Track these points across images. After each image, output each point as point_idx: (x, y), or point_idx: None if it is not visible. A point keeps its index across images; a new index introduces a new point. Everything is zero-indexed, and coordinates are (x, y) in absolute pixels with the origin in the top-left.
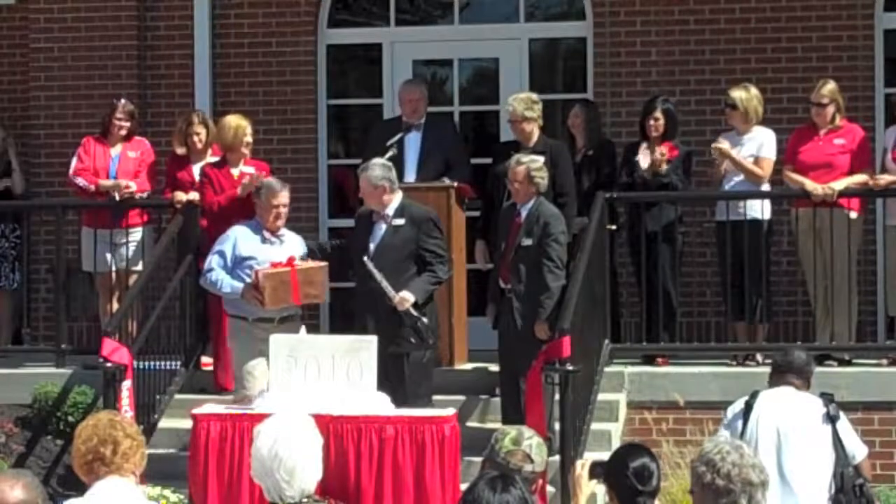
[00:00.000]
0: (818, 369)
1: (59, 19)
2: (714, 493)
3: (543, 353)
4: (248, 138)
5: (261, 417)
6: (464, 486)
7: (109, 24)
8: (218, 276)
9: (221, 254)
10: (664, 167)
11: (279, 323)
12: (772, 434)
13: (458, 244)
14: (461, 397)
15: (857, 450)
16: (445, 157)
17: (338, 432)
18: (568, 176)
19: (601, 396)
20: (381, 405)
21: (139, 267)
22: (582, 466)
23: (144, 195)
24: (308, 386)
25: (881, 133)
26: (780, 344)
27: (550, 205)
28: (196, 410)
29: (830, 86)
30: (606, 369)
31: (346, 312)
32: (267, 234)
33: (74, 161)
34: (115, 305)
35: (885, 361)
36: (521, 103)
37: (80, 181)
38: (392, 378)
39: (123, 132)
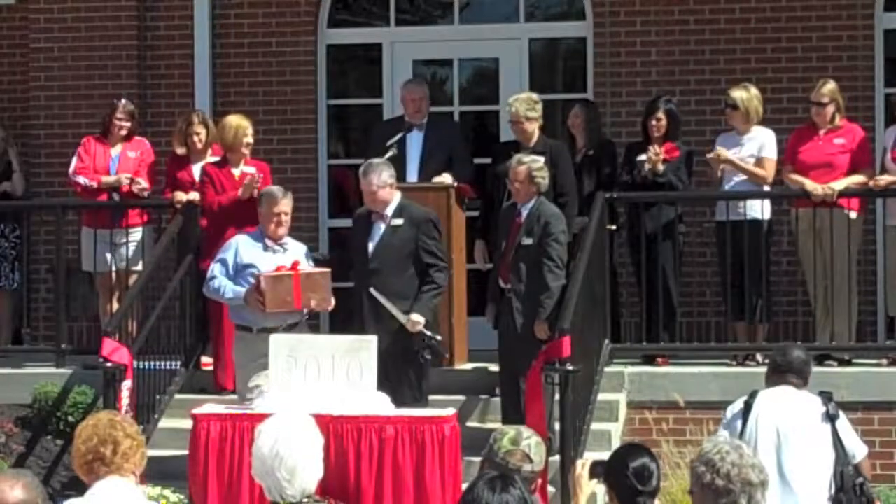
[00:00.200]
0: (818, 369)
1: (59, 19)
2: (714, 493)
3: (543, 353)
4: (249, 139)
5: (261, 417)
6: (464, 486)
7: (109, 24)
8: (220, 283)
9: (223, 262)
10: (660, 167)
11: (284, 332)
12: (771, 434)
13: (458, 244)
14: (461, 397)
15: (857, 449)
16: (448, 157)
17: (338, 432)
18: (568, 176)
19: (601, 396)
20: (381, 405)
21: (139, 267)
22: (582, 466)
23: (145, 194)
24: (308, 386)
25: (881, 133)
26: (779, 343)
27: (551, 204)
28: (196, 410)
29: (830, 85)
30: (606, 369)
31: (345, 312)
32: (269, 243)
33: (75, 160)
34: (115, 305)
35: (885, 361)
36: (522, 103)
37: (82, 179)
38: (391, 378)
39: (123, 132)
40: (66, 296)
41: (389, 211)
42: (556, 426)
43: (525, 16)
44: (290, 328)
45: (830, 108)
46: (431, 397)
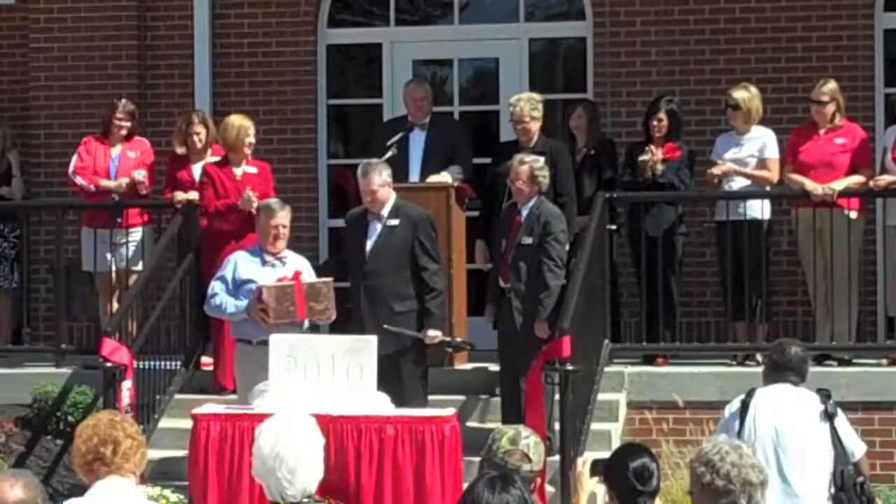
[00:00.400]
0: (818, 370)
1: (59, 19)
2: (713, 493)
3: (543, 353)
4: (251, 138)
5: (261, 417)
6: (464, 486)
7: (109, 24)
8: (221, 299)
9: (223, 279)
10: (659, 167)
11: None
12: (769, 432)
13: (458, 244)
14: (461, 397)
15: (856, 447)
16: (449, 157)
17: (338, 432)
18: (568, 176)
19: (601, 396)
20: (381, 405)
21: (139, 267)
22: (583, 464)
23: (142, 191)
24: (308, 386)
25: (881, 133)
26: (777, 341)
27: (551, 204)
28: (196, 410)
29: (831, 84)
30: (606, 369)
31: (344, 312)
32: (268, 257)
33: (74, 159)
34: (115, 305)
35: (885, 361)
36: (527, 103)
37: (80, 180)
38: (390, 378)
39: (124, 132)
40: (66, 296)
41: (385, 211)
42: (556, 426)
43: (525, 16)
44: None
45: (831, 108)
46: (431, 397)
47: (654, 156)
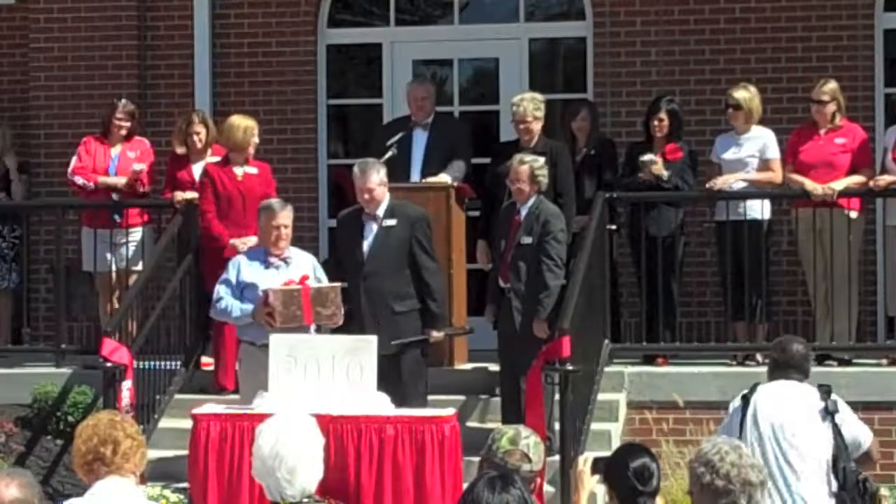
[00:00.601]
0: (819, 370)
1: (59, 19)
2: (713, 493)
3: (543, 353)
4: (256, 139)
5: (261, 417)
6: (464, 486)
7: (109, 24)
8: (227, 303)
9: (227, 282)
10: (664, 174)
11: None
12: (769, 428)
13: (458, 244)
14: (461, 397)
15: (863, 436)
16: (449, 156)
17: (338, 432)
18: (568, 177)
19: (601, 396)
20: (381, 405)
21: (139, 267)
22: (584, 462)
23: (140, 189)
24: (308, 386)
25: (881, 133)
26: (778, 339)
27: (550, 203)
28: (196, 410)
29: (832, 84)
30: (606, 369)
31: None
32: (272, 259)
33: (74, 159)
34: (115, 305)
35: (885, 361)
36: (530, 103)
37: (79, 180)
38: (390, 378)
39: (123, 132)
40: (66, 296)
41: (381, 211)
42: (556, 426)
43: (525, 16)
44: None
45: (831, 107)
46: (432, 397)
47: (655, 164)
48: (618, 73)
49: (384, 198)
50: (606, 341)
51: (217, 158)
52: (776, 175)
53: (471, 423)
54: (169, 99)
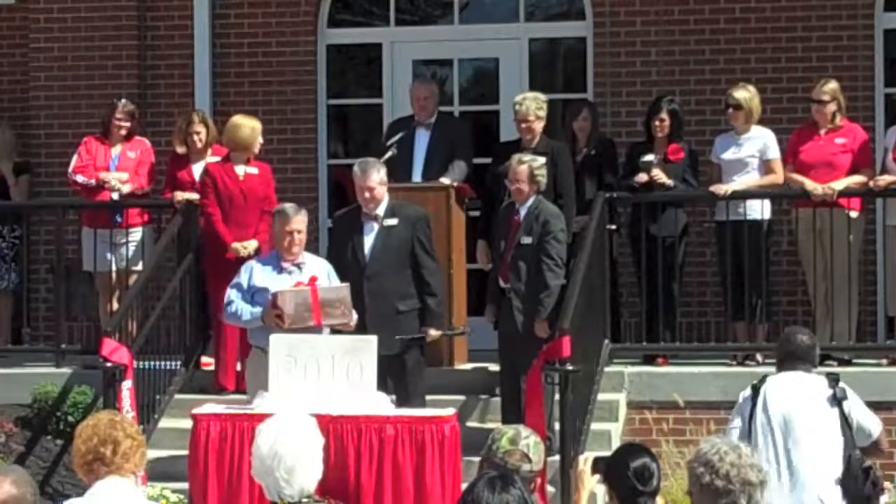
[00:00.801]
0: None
1: (59, 19)
2: (713, 493)
3: (543, 353)
4: (261, 139)
5: (261, 417)
6: (464, 486)
7: (109, 24)
8: (237, 306)
9: (238, 286)
10: (668, 182)
11: None
12: (778, 418)
13: (458, 244)
14: (461, 397)
15: (872, 425)
16: (451, 156)
17: (338, 432)
18: (568, 177)
19: (601, 396)
20: (381, 405)
21: (139, 267)
22: (584, 461)
23: (144, 190)
24: (308, 386)
25: (881, 133)
26: (784, 331)
27: (550, 203)
28: (196, 410)
29: (832, 84)
30: (606, 369)
31: None
32: (285, 264)
33: (75, 158)
34: (115, 305)
35: (885, 361)
36: (532, 102)
37: (80, 178)
38: (393, 376)
39: (123, 132)
40: (66, 296)
41: (381, 211)
42: (556, 426)
43: (525, 16)
44: None
45: (831, 107)
46: (432, 397)
47: (657, 172)
48: (618, 73)
49: (384, 197)
50: (606, 341)
51: (217, 158)
52: (777, 176)
53: (471, 423)
54: (169, 99)
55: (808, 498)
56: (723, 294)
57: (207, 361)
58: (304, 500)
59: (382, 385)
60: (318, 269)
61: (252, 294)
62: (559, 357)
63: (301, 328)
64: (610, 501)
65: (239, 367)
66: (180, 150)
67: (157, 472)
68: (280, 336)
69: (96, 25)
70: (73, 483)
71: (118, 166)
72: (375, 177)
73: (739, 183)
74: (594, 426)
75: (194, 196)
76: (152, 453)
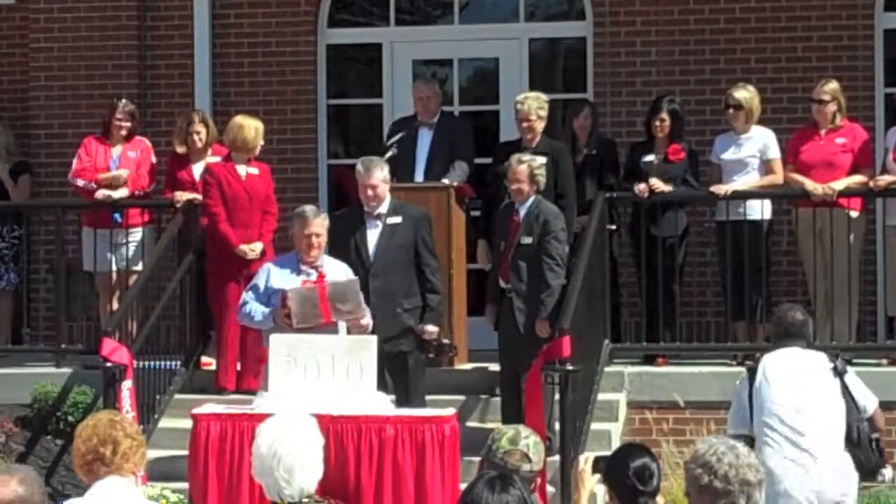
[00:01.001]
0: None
1: (59, 19)
2: (712, 495)
3: (543, 353)
4: (262, 140)
5: (261, 417)
6: (463, 486)
7: (109, 24)
8: (251, 307)
9: (255, 287)
10: (667, 189)
11: None
12: (780, 389)
13: (458, 244)
14: (461, 397)
15: (868, 401)
16: (452, 156)
17: (338, 432)
18: (569, 178)
19: (601, 396)
20: (381, 405)
21: (139, 267)
22: (585, 461)
23: (142, 192)
24: (308, 386)
25: (881, 133)
26: (777, 309)
27: (549, 203)
28: (196, 410)
29: (833, 84)
30: (606, 369)
31: None
32: (303, 266)
33: (75, 161)
34: (115, 305)
35: (885, 361)
36: (534, 101)
37: (80, 182)
38: (391, 377)
39: (124, 132)
40: (66, 296)
41: (384, 209)
42: (556, 426)
43: (525, 16)
44: None
45: (832, 107)
46: (432, 397)
47: (656, 187)
48: (618, 73)
49: (386, 196)
50: (606, 341)
51: (217, 159)
52: (777, 176)
53: (471, 423)
54: (169, 99)
55: (823, 467)
56: (723, 294)
57: (207, 361)
58: (305, 500)
59: (382, 385)
60: (338, 272)
61: (269, 296)
62: (559, 357)
63: (312, 327)
64: (610, 501)
65: (239, 368)
66: (180, 149)
67: (157, 472)
68: (280, 336)
69: (96, 25)
70: (73, 483)
71: (119, 166)
72: (378, 175)
73: (739, 183)
74: (594, 426)
75: (194, 196)
76: (152, 453)
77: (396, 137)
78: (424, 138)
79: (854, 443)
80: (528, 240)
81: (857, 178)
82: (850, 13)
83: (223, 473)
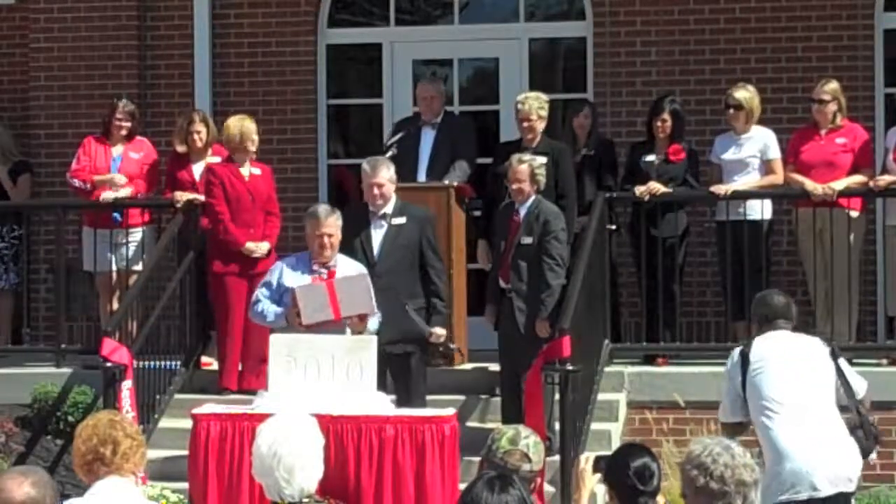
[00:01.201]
0: None
1: (59, 19)
2: (708, 496)
3: (543, 353)
4: (255, 137)
5: (261, 417)
6: (463, 486)
7: (109, 24)
8: (263, 306)
9: (268, 285)
10: (666, 190)
11: None
12: (776, 362)
13: (458, 244)
14: (461, 397)
15: (860, 386)
16: (453, 156)
17: (338, 432)
18: (570, 178)
19: (601, 396)
20: (381, 405)
21: (139, 267)
22: (586, 460)
23: (143, 194)
24: (308, 386)
25: (881, 133)
26: (757, 295)
27: (550, 203)
28: (196, 410)
29: (833, 84)
30: (606, 369)
31: None
32: (315, 266)
33: (74, 161)
34: (116, 305)
35: (885, 361)
36: (534, 101)
37: (77, 182)
38: (392, 377)
39: (124, 132)
40: (66, 296)
41: (389, 209)
42: (556, 426)
43: (525, 16)
44: None
45: (832, 107)
46: (432, 397)
47: (655, 190)
48: (618, 73)
49: (392, 195)
50: (606, 341)
51: (217, 159)
52: (777, 176)
53: (471, 423)
54: (169, 99)
55: (832, 448)
56: (723, 294)
57: (207, 361)
58: (305, 500)
59: (383, 385)
60: (351, 271)
61: (281, 294)
62: (559, 357)
63: (321, 325)
64: (610, 501)
65: (241, 368)
66: (180, 149)
67: (157, 472)
68: (279, 336)
69: (96, 25)
70: (74, 483)
71: (121, 167)
72: (385, 174)
73: (740, 183)
74: (594, 426)
75: (194, 196)
76: (152, 453)
77: (396, 137)
78: (427, 138)
79: (856, 425)
80: (528, 240)
81: (857, 178)
82: (850, 13)
83: (223, 473)
